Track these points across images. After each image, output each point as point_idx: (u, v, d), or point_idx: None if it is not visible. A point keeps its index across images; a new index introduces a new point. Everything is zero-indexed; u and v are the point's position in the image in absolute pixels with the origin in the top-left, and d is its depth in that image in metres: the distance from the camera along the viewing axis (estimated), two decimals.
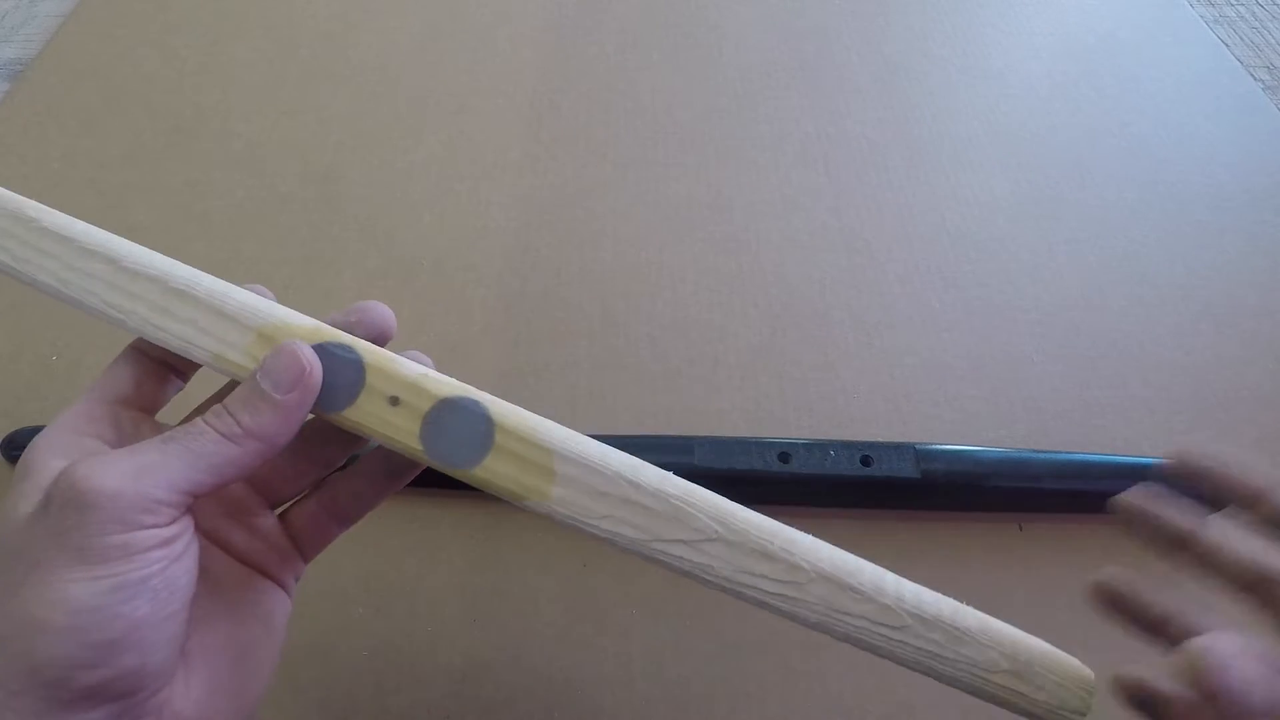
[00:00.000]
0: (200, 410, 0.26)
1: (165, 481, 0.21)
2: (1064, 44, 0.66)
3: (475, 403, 0.24)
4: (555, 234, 0.52)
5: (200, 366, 0.26)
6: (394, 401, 0.24)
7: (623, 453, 0.25)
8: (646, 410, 0.44)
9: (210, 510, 0.26)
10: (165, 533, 0.21)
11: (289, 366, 0.23)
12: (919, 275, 0.50)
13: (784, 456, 0.38)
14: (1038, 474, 0.39)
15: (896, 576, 0.25)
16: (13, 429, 0.41)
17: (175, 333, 0.25)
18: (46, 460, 0.22)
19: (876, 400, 0.44)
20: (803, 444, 0.39)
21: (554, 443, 0.24)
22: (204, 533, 0.24)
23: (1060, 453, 0.40)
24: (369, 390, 0.24)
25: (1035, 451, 0.40)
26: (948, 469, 0.39)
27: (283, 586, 0.27)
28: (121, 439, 0.24)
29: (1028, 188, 0.55)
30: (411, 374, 0.25)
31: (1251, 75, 0.64)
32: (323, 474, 0.28)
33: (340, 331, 0.25)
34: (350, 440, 0.27)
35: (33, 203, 0.26)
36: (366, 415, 0.24)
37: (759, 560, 0.24)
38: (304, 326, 0.25)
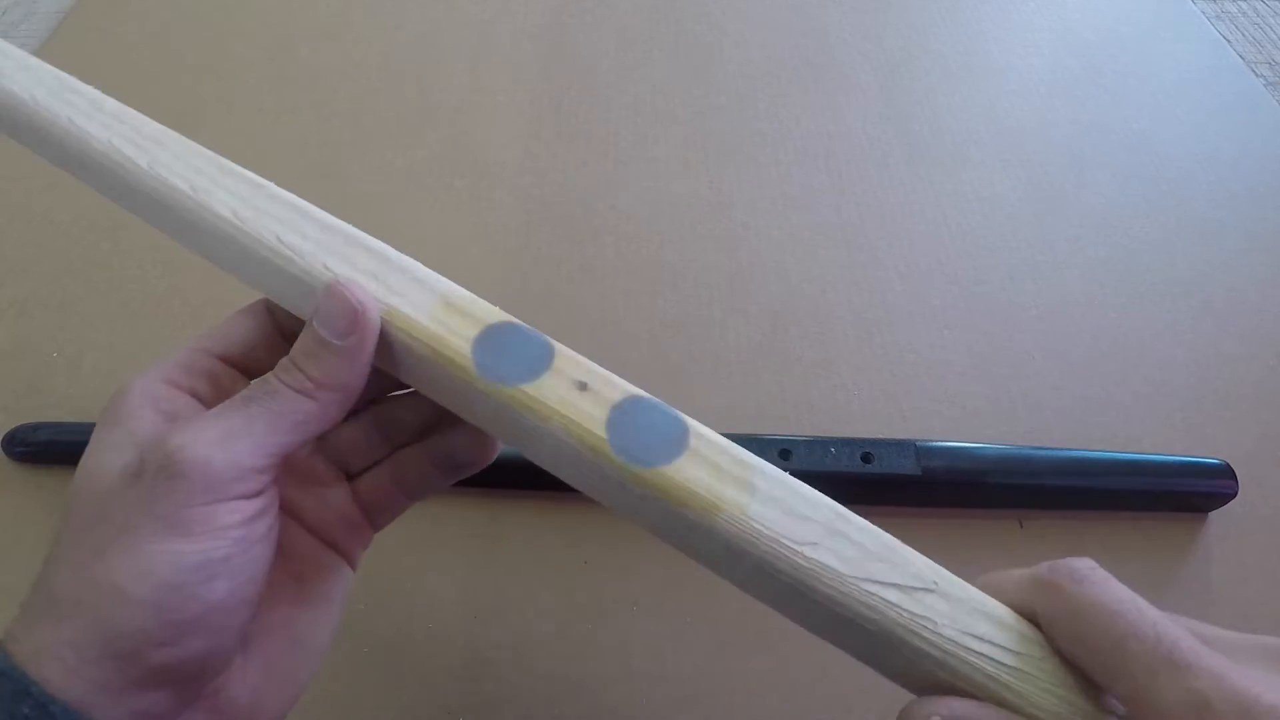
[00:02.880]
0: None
1: (252, 446, 0.21)
2: (1065, 40, 0.66)
3: (669, 407, 0.23)
4: (556, 231, 0.52)
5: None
6: (582, 387, 0.23)
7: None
8: None
9: (284, 480, 0.25)
10: (251, 506, 0.21)
11: (342, 310, 0.22)
12: (920, 272, 0.50)
13: (785, 453, 0.38)
14: (1038, 471, 0.39)
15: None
16: (14, 425, 0.41)
17: (339, 272, 0.24)
18: (140, 410, 0.22)
19: (877, 397, 0.44)
20: (803, 441, 0.39)
21: (753, 460, 0.22)
22: (281, 502, 0.24)
23: (1061, 449, 0.40)
24: (555, 371, 0.23)
25: (1036, 448, 0.40)
26: (948, 466, 0.39)
27: (349, 558, 0.27)
28: (217, 397, 0.24)
29: (1028, 184, 0.55)
30: (602, 369, 0.23)
31: (1253, 71, 0.64)
32: (394, 448, 0.27)
33: (527, 325, 0.24)
34: (419, 417, 0.27)
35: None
36: (548, 393, 0.22)
37: (984, 621, 0.21)
38: (492, 309, 0.24)
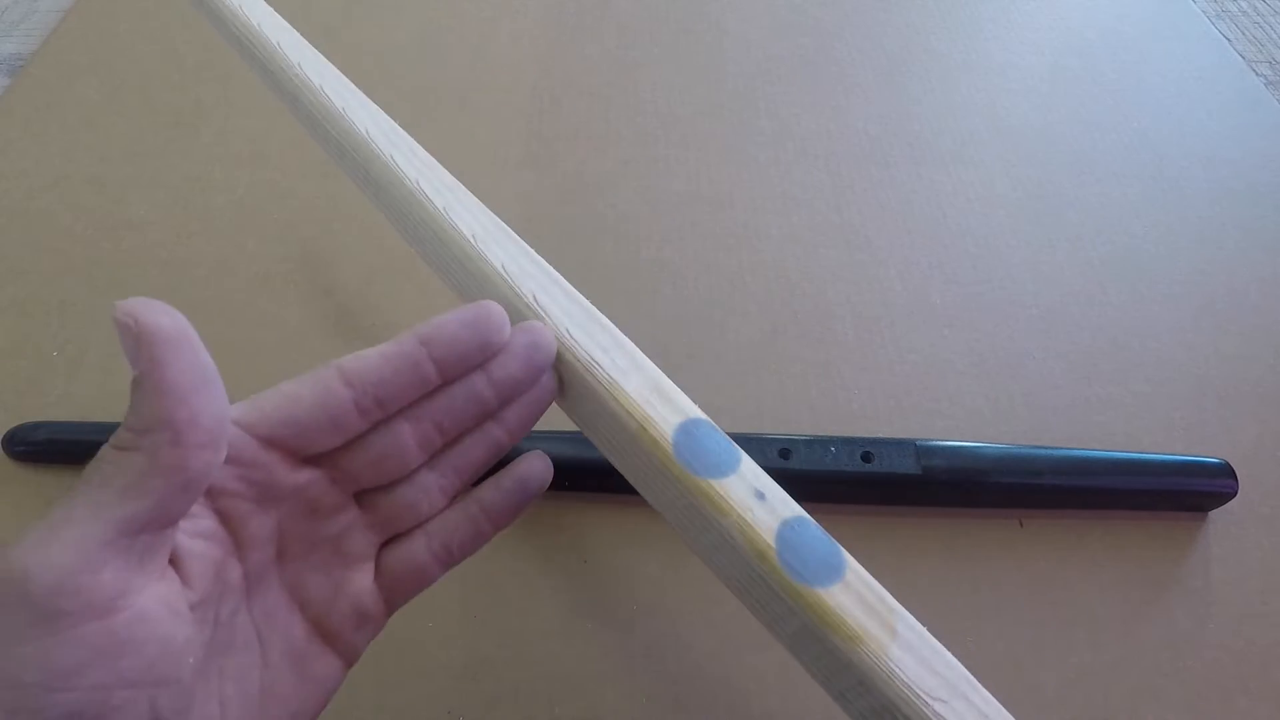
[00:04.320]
0: None
1: (77, 537, 0.17)
2: (1065, 39, 0.66)
3: (830, 537, 0.24)
4: (555, 230, 0.52)
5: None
6: (760, 496, 0.24)
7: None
8: None
9: (296, 551, 0.23)
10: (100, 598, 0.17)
11: (123, 335, 0.18)
12: (920, 271, 0.50)
13: (784, 452, 0.38)
14: (1038, 470, 0.39)
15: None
16: (14, 424, 0.41)
17: (584, 345, 0.26)
18: None
19: (877, 396, 0.44)
20: (803, 440, 0.39)
21: (897, 606, 0.23)
22: (280, 584, 0.22)
23: (1061, 449, 0.40)
24: (741, 475, 0.24)
25: (1036, 447, 0.40)
26: (948, 465, 0.39)
27: (348, 658, 0.24)
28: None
29: (1029, 183, 0.55)
30: (777, 486, 0.25)
31: (1253, 70, 0.64)
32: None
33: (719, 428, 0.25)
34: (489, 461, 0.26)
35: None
36: (734, 494, 0.24)
37: None
38: (691, 406, 0.25)
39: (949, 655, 0.23)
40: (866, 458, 0.38)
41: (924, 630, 0.23)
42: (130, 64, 0.62)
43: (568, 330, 0.26)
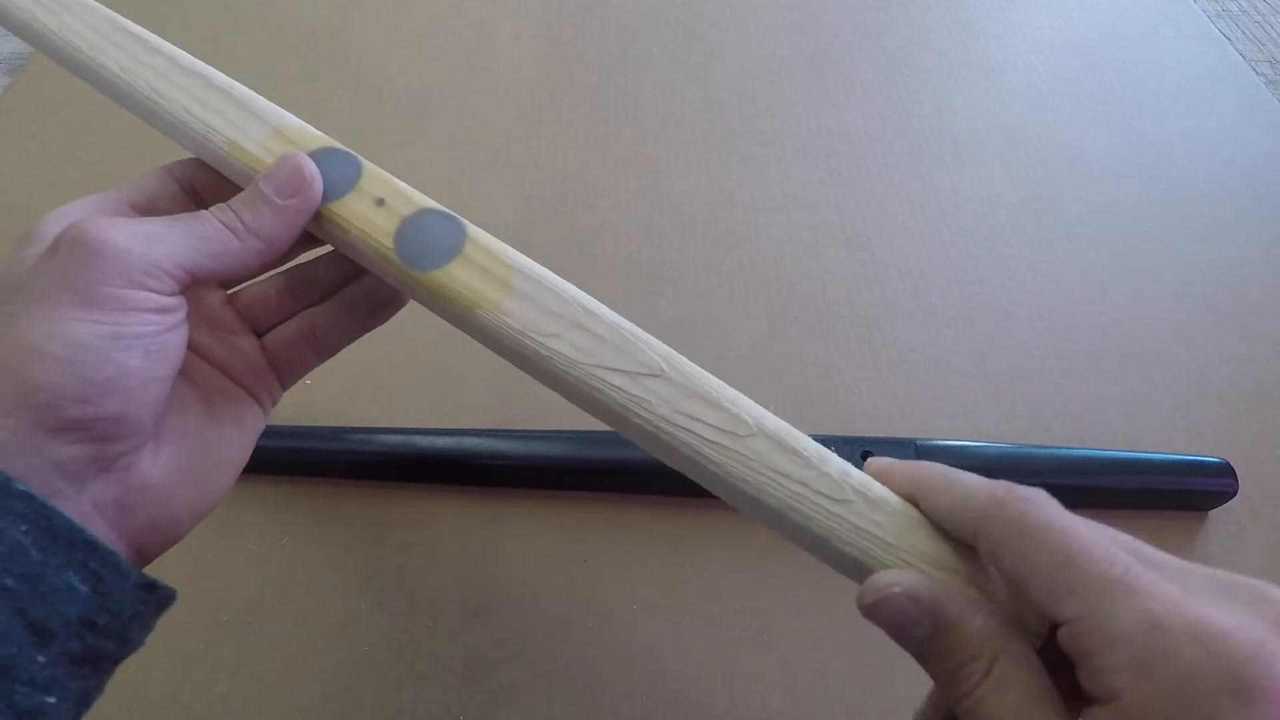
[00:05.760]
0: None
1: (169, 252, 0.23)
2: (1066, 39, 0.66)
3: (454, 217, 0.26)
4: (556, 229, 0.52)
5: (216, 194, 0.27)
6: (379, 203, 0.26)
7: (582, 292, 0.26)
8: None
9: (196, 323, 0.26)
10: (163, 300, 0.22)
11: (291, 175, 0.25)
12: (920, 271, 0.50)
13: None
14: (1038, 469, 0.39)
15: (845, 461, 0.24)
16: None
17: (202, 118, 0.27)
18: (52, 229, 0.23)
19: (877, 396, 0.44)
20: None
21: (519, 263, 0.26)
22: (190, 343, 0.26)
23: (1061, 448, 0.40)
24: (359, 191, 0.26)
25: (1036, 447, 0.41)
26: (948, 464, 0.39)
27: (258, 401, 0.28)
28: None
29: (1029, 183, 0.55)
30: (403, 185, 0.27)
31: (1254, 69, 0.64)
32: (303, 307, 0.29)
33: (346, 148, 0.27)
34: (333, 275, 0.29)
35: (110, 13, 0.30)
36: (350, 211, 0.26)
37: (700, 405, 0.24)
38: (317, 136, 0.27)
39: (569, 291, 0.25)
40: (866, 457, 0.38)
41: (545, 274, 0.25)
42: None
43: (185, 109, 0.27)
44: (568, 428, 0.40)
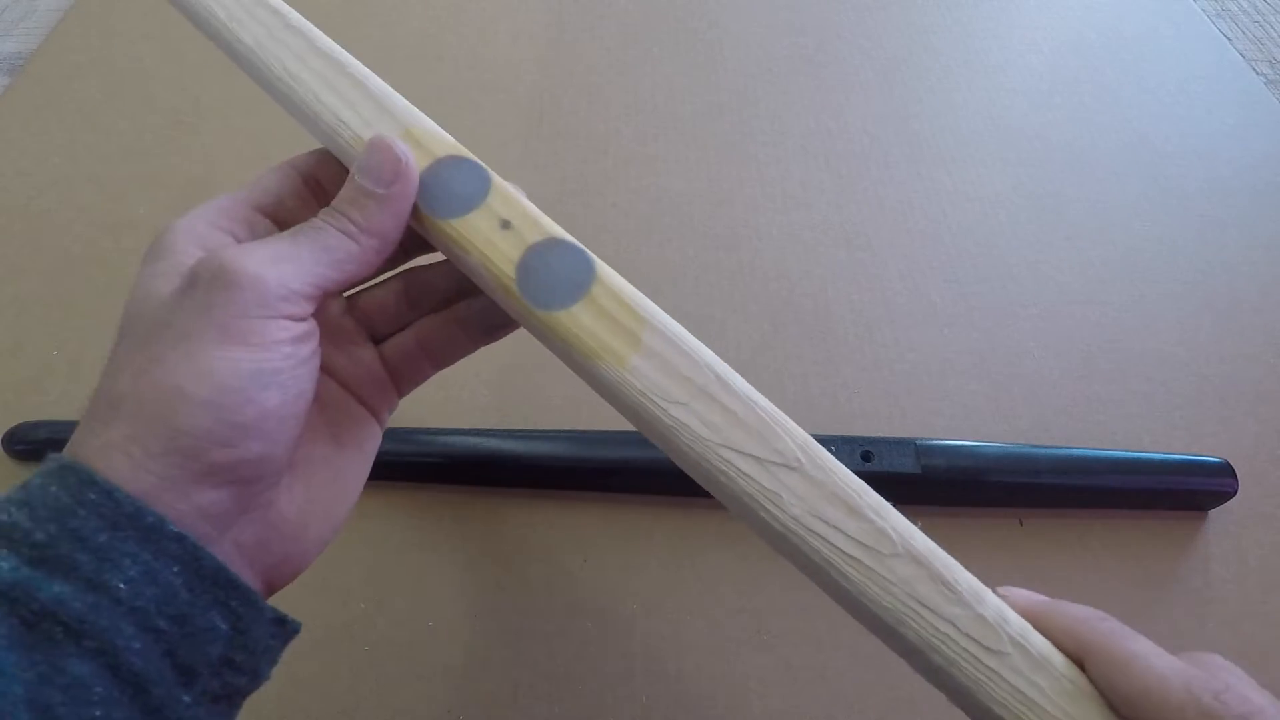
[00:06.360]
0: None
1: (299, 272, 0.22)
2: (1065, 38, 0.66)
3: (584, 252, 0.24)
4: None
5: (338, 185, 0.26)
6: (505, 225, 0.24)
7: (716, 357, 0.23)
8: None
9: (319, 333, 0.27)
10: (298, 328, 0.22)
11: (386, 160, 0.24)
12: (920, 271, 0.50)
13: None
14: (1038, 469, 0.39)
15: (1000, 600, 0.21)
16: (14, 423, 0.41)
17: (332, 107, 0.26)
18: (184, 245, 0.23)
19: (877, 395, 0.44)
20: None
21: (650, 314, 0.23)
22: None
23: (1061, 448, 0.40)
24: (485, 209, 0.24)
25: (1036, 446, 0.41)
26: (948, 464, 0.39)
27: (376, 416, 0.28)
28: (253, 239, 0.25)
29: (1028, 183, 0.55)
30: (534, 209, 0.25)
31: (1254, 69, 0.64)
32: (419, 315, 0.29)
33: (476, 158, 0.26)
34: (450, 283, 0.28)
35: None
36: (474, 230, 0.24)
37: (840, 510, 0.20)
38: (448, 140, 0.26)
39: (703, 354, 0.23)
40: (866, 457, 0.38)
41: (678, 331, 0.23)
42: (130, 63, 0.62)
43: (317, 96, 0.26)
44: (567, 427, 0.40)
